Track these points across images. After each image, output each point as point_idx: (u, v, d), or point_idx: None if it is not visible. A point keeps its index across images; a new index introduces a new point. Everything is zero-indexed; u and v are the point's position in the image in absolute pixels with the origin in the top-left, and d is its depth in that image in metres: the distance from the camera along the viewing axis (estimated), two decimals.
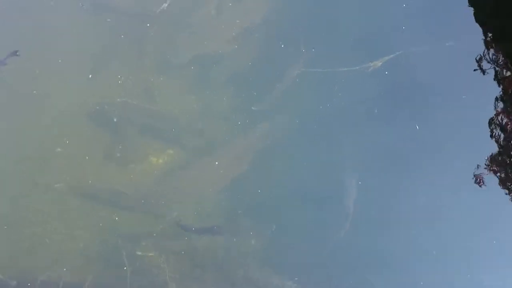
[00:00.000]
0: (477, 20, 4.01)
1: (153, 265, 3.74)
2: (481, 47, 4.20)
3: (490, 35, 4.19)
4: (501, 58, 4.17)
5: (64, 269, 3.64)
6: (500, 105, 4.08)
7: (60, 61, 4.23)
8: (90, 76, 4.23)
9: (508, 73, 4.14)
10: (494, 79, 4.06)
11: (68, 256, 3.74)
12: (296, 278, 3.66)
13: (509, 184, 3.85)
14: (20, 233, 3.81)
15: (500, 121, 4.01)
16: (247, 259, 3.74)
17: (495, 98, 4.05)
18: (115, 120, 4.11)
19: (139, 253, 3.76)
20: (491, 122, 4.03)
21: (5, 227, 3.80)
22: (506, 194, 3.82)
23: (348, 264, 3.78)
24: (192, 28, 4.45)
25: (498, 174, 3.86)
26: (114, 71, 4.28)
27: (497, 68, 4.15)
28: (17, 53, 3.93)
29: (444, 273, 3.78)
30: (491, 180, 3.80)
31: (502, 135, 4.01)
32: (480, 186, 3.86)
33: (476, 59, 4.25)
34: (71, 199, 3.91)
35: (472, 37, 4.00)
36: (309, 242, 3.82)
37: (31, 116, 4.13)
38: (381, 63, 4.15)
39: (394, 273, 3.75)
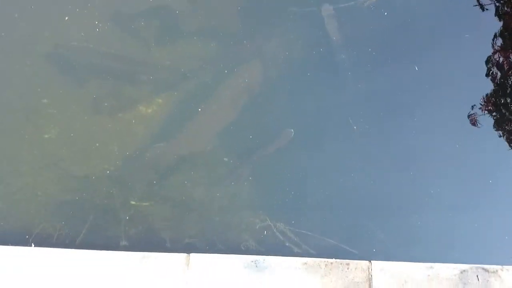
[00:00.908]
0: None
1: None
2: None
3: None
4: None
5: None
6: (498, 42, 3.97)
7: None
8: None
9: (509, 9, 4.00)
10: (495, 15, 3.92)
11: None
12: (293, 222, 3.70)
13: (505, 125, 3.83)
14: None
15: (497, 59, 3.92)
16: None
17: (494, 35, 3.94)
18: None
19: (133, 202, 3.76)
20: (488, 60, 3.95)
21: None
22: (499, 136, 3.81)
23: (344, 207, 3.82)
24: None
25: (494, 113, 3.83)
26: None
27: (497, 4, 4.00)
28: None
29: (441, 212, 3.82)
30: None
31: (498, 74, 3.94)
32: (475, 125, 3.84)
33: None
34: None
35: None
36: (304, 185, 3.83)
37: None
38: None
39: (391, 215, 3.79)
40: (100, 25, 4.09)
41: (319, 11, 4.07)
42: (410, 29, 4.05)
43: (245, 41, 4.08)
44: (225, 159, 3.83)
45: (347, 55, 3.95)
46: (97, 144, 3.92)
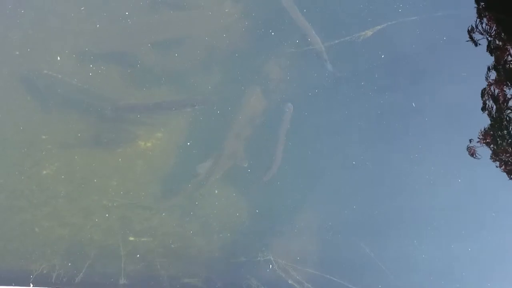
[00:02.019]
0: None
1: None
2: (472, 18, 4.14)
3: (482, 4, 4.12)
4: (494, 27, 4.11)
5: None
6: (492, 75, 4.04)
7: None
8: None
9: (501, 43, 4.09)
10: (487, 50, 4.01)
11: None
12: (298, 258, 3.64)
13: (502, 155, 3.85)
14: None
15: (493, 92, 3.98)
16: None
17: (487, 68, 4.01)
18: None
19: (131, 238, 3.71)
20: (483, 93, 4.01)
21: None
22: (496, 166, 3.83)
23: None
24: None
25: (492, 146, 3.86)
26: None
27: (489, 38, 4.10)
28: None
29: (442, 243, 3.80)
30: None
31: (494, 107, 3.99)
32: (474, 157, 3.86)
33: (468, 29, 4.19)
34: None
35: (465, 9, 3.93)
36: None
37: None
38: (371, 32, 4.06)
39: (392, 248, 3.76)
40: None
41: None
42: (406, 65, 4.13)
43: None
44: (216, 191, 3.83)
45: (344, 92, 4.02)
46: (95, 180, 3.91)
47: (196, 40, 4.16)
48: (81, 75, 4.00)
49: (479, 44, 4.14)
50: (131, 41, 4.18)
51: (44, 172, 3.91)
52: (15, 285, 3.17)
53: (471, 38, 4.17)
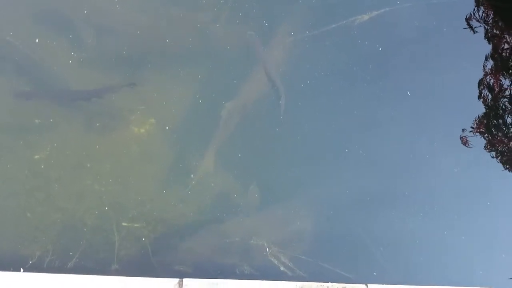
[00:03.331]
0: None
1: None
2: (470, 6, 4.11)
3: None
4: (491, 15, 4.08)
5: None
6: (489, 64, 4.03)
7: None
8: None
9: (498, 31, 4.07)
10: (485, 38, 3.98)
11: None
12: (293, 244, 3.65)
13: (498, 145, 3.85)
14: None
15: (488, 82, 3.97)
16: None
17: (485, 57, 4.00)
18: None
19: (124, 224, 3.70)
20: (480, 83, 4.00)
21: None
22: (492, 157, 3.84)
23: None
24: None
25: (486, 135, 3.86)
26: None
27: (486, 27, 4.07)
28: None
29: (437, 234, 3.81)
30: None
31: (490, 96, 3.98)
32: (467, 146, 3.86)
33: (466, 17, 4.16)
34: None
35: None
36: None
37: None
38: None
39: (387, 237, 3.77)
40: None
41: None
42: (400, 52, 4.11)
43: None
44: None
45: (338, 80, 4.00)
46: (89, 165, 3.88)
47: None
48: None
49: (477, 32, 4.11)
50: None
51: (36, 156, 3.88)
52: (3, 271, 3.15)
53: (469, 25, 4.14)
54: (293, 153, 3.91)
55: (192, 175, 3.83)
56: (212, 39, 4.22)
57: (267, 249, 3.51)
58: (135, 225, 3.72)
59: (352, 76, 4.03)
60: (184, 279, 3.05)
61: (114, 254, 3.52)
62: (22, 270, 3.31)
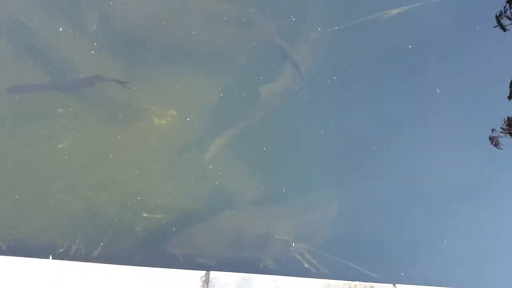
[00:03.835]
0: None
1: None
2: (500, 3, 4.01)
3: None
4: None
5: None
6: None
7: None
8: None
9: None
10: None
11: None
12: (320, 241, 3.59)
13: None
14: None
15: None
16: None
17: None
18: None
19: (145, 214, 3.71)
20: None
21: None
22: None
23: None
24: None
25: None
26: None
27: None
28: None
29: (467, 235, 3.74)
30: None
31: None
32: (497, 147, 3.78)
33: (496, 14, 4.07)
34: None
35: None
36: None
37: None
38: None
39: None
40: None
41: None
42: (430, 49, 4.03)
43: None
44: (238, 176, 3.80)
45: (366, 76, 3.93)
46: (111, 155, 3.89)
47: None
48: None
49: (507, 29, 4.02)
50: None
51: (60, 145, 3.91)
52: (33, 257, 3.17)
53: (499, 23, 4.05)
54: (317, 149, 3.86)
55: (211, 166, 3.82)
56: (238, 33, 4.20)
57: (292, 245, 3.50)
58: (156, 216, 3.72)
59: (380, 72, 3.97)
60: (211, 272, 3.04)
61: (136, 244, 3.53)
62: (51, 257, 3.33)
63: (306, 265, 3.37)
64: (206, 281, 2.96)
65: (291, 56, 3.98)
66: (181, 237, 3.55)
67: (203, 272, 3.04)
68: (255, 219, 3.64)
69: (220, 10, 4.22)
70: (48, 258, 3.29)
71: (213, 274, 3.03)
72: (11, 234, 3.51)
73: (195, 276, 3.01)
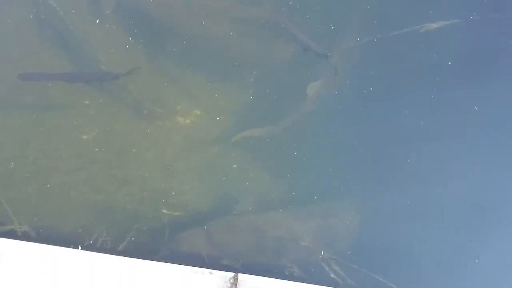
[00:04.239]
0: None
1: None
2: None
3: None
4: None
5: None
6: None
7: None
8: None
9: None
10: None
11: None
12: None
13: None
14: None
15: None
16: None
17: None
18: None
19: (165, 211, 3.69)
20: None
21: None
22: None
23: None
24: None
25: None
26: None
27: None
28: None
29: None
30: None
31: None
32: None
33: None
34: None
35: None
36: None
37: None
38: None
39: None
40: None
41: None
42: (469, 66, 4.00)
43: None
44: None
45: (402, 89, 3.92)
46: (134, 150, 3.90)
47: None
48: None
49: None
50: None
51: (84, 137, 3.93)
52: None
53: None
54: (348, 157, 3.84)
55: (234, 165, 3.80)
56: (275, 38, 4.21)
57: (322, 253, 3.44)
58: (175, 213, 3.70)
59: (416, 85, 3.95)
60: (240, 274, 3.01)
61: (157, 241, 3.50)
62: (80, 247, 3.33)
63: (332, 275, 3.30)
64: (235, 283, 2.94)
65: (328, 63, 3.98)
66: (205, 237, 3.52)
67: (232, 274, 3.01)
68: (281, 224, 3.59)
69: (256, 14, 4.24)
70: (78, 248, 3.27)
71: (242, 276, 2.99)
72: (36, 222, 3.51)
73: (223, 277, 2.99)
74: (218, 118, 3.98)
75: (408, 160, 3.76)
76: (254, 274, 2.98)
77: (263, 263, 3.39)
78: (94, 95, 4.05)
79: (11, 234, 3.37)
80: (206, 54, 4.23)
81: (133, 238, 3.44)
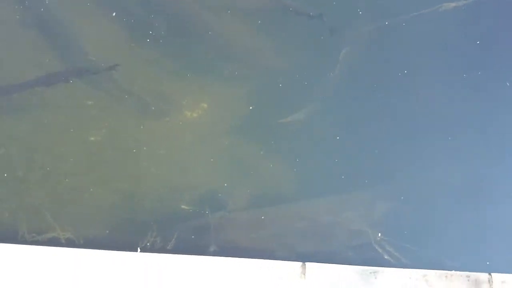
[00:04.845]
0: None
1: None
2: None
3: None
4: None
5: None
6: None
7: None
8: None
9: None
10: None
11: None
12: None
13: None
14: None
15: None
16: None
17: None
18: None
19: (184, 207, 3.67)
20: None
21: None
22: None
23: None
24: None
25: None
26: None
27: None
28: None
29: None
30: None
31: None
32: None
33: None
34: None
35: None
36: None
37: None
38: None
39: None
40: None
41: None
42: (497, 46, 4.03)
43: None
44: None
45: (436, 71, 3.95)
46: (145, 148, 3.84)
47: None
48: None
49: None
50: None
51: (92, 138, 3.84)
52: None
53: None
54: (390, 139, 3.84)
55: (261, 152, 3.78)
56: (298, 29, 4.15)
57: (378, 235, 3.44)
58: (194, 208, 3.68)
59: (447, 66, 3.98)
60: (307, 263, 3.02)
61: (204, 236, 3.47)
62: (139, 250, 3.28)
63: (386, 256, 3.35)
64: (304, 272, 2.96)
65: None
66: (247, 229, 3.53)
67: (299, 264, 3.01)
68: (330, 209, 3.60)
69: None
70: (136, 250, 3.22)
71: (309, 265, 3.01)
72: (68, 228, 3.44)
73: (291, 267, 3.00)
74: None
75: (449, 138, 3.79)
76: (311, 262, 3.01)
77: (316, 250, 3.41)
78: (96, 95, 3.96)
79: (55, 242, 3.33)
80: (208, 44, 4.17)
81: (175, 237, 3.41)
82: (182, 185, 3.74)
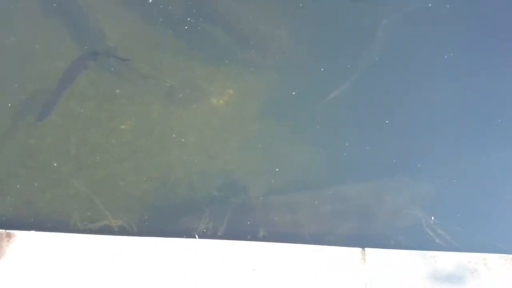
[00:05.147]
0: None
1: None
2: None
3: None
4: None
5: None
6: None
7: None
8: None
9: None
10: None
11: None
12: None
13: None
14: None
15: None
16: None
17: None
18: None
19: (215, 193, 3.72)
20: None
21: None
22: None
23: None
24: None
25: None
26: None
27: None
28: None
29: None
30: None
31: None
32: None
33: None
34: None
35: None
36: None
37: None
38: None
39: None
40: None
41: None
42: None
43: None
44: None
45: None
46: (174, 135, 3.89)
47: None
48: None
49: None
50: None
51: (122, 126, 3.90)
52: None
53: None
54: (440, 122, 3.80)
55: (295, 136, 3.80)
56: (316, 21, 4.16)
57: (432, 219, 3.39)
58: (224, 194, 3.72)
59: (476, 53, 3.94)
60: (366, 249, 3.03)
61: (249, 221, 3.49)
62: (196, 236, 3.33)
63: (437, 240, 3.30)
64: (363, 258, 2.98)
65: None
66: (290, 215, 3.51)
67: (359, 249, 3.03)
68: (379, 193, 3.57)
69: None
70: (194, 237, 3.30)
71: (368, 250, 3.04)
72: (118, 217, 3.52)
73: (351, 252, 3.02)
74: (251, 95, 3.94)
75: (499, 120, 3.73)
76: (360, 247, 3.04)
77: (364, 234, 3.39)
78: (123, 84, 4.00)
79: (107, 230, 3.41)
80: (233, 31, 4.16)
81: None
82: (212, 170, 3.78)
